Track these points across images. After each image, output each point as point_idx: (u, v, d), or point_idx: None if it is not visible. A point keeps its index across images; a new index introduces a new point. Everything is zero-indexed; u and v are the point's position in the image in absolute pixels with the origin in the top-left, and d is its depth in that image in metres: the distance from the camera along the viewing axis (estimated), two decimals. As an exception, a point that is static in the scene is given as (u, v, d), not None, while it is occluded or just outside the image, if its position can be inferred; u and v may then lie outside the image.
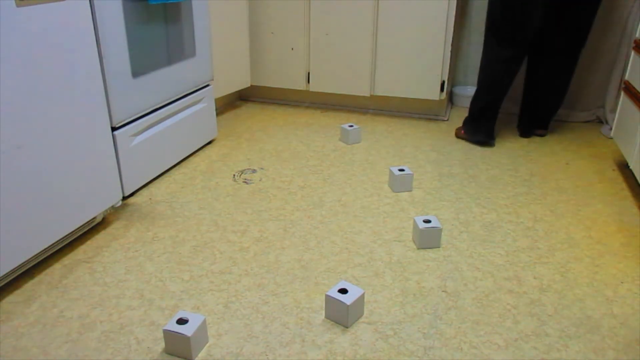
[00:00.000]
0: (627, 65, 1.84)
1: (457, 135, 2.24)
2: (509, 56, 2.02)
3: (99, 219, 1.52)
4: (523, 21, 1.96)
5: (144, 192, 1.73)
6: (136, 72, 1.59)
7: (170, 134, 1.83)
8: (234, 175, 1.86)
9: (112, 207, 1.54)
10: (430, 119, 2.46)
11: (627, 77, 1.81)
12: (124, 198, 1.66)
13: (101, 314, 1.17)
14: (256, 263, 1.36)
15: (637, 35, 1.74)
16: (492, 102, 2.10)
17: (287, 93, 2.67)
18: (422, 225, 1.41)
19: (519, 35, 1.98)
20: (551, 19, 2.02)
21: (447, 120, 2.46)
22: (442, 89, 2.35)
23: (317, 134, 2.26)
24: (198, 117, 1.99)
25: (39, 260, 1.33)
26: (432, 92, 2.37)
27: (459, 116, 2.50)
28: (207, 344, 1.08)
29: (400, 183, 1.74)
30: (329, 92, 2.54)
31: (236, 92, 2.68)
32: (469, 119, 2.19)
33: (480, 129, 2.14)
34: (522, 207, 1.65)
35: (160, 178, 1.83)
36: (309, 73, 2.51)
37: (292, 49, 2.49)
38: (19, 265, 1.24)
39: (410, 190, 1.75)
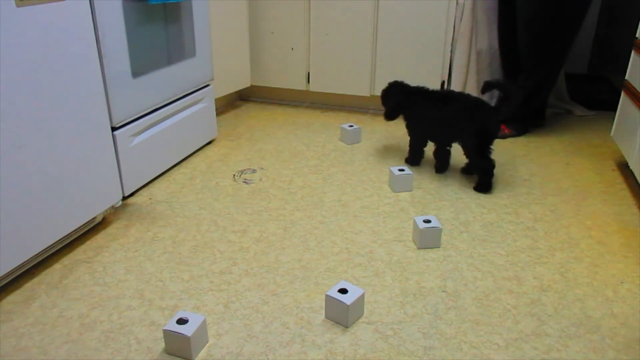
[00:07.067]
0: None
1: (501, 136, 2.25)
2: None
3: (99, 219, 1.52)
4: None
5: (144, 192, 1.73)
6: (136, 72, 1.59)
7: (170, 134, 1.83)
8: (234, 175, 1.86)
9: (112, 207, 1.54)
10: (430, 119, 2.46)
11: (627, 77, 1.80)
12: (124, 198, 1.66)
13: (101, 314, 1.17)
14: (256, 263, 1.36)
15: (637, 35, 1.73)
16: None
17: (287, 93, 2.67)
18: (422, 225, 1.41)
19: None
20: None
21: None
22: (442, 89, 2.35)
23: (317, 134, 2.26)
24: (198, 117, 1.99)
25: (39, 260, 1.33)
26: (432, 92, 2.37)
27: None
28: (207, 344, 1.08)
29: (400, 183, 1.74)
30: (329, 92, 2.54)
31: (236, 92, 2.68)
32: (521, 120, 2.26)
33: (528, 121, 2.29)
34: (522, 207, 1.65)
35: (160, 178, 1.83)
36: (309, 73, 2.51)
37: (292, 49, 2.49)
38: (19, 265, 1.24)
39: (410, 190, 1.75)
